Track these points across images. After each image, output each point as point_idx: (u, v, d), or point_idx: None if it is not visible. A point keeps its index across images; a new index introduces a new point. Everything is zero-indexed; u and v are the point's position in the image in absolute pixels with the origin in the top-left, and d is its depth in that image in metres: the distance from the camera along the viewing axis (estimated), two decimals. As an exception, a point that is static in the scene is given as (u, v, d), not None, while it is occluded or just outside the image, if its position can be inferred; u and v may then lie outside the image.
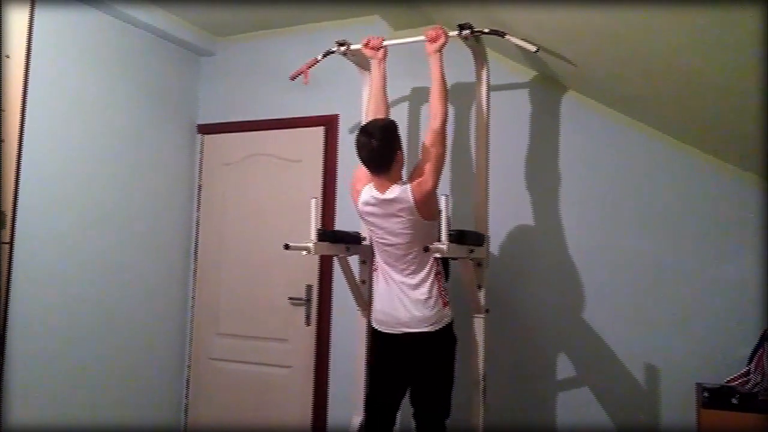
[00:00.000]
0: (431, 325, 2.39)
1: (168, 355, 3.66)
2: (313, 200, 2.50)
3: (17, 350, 2.74)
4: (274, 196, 3.60)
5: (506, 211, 3.03)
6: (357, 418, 2.81)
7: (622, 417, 2.81)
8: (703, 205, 2.75)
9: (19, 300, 2.75)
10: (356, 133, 2.37)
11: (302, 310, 3.47)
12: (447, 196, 2.19)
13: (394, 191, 2.35)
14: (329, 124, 3.50)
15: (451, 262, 2.59)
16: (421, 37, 2.63)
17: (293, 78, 3.05)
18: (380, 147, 2.31)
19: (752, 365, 2.43)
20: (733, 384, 2.45)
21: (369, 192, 2.42)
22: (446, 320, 2.42)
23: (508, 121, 3.06)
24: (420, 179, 2.34)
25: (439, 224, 2.36)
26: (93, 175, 3.16)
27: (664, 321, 2.76)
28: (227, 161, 3.77)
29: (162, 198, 3.61)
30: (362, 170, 2.45)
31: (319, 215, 3.39)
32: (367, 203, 2.42)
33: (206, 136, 3.85)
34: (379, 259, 2.51)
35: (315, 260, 3.43)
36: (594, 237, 2.91)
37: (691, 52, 1.95)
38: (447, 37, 2.56)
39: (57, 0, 2.94)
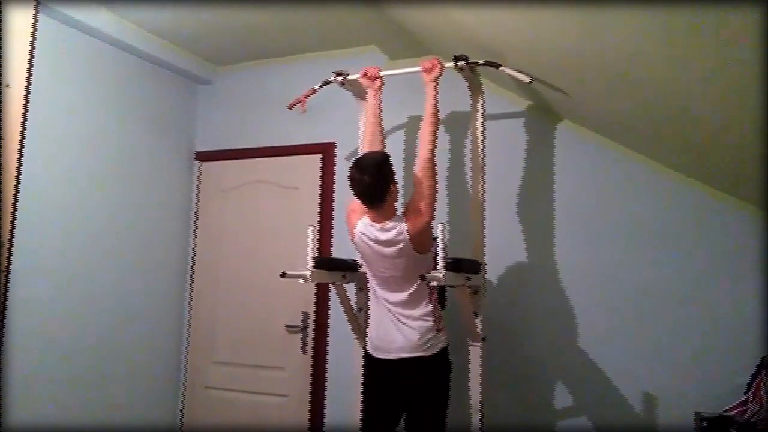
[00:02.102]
0: (426, 350, 2.39)
1: (162, 383, 3.63)
2: (310, 228, 2.51)
3: (14, 380, 2.72)
4: (271, 223, 3.61)
5: (502, 239, 3.04)
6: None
7: (620, 446, 2.79)
8: (700, 234, 2.76)
9: (16, 328, 2.72)
10: (349, 167, 2.37)
11: (298, 337, 3.45)
12: (443, 224, 2.20)
13: (389, 229, 2.36)
14: (326, 151, 3.52)
15: (448, 289, 2.59)
16: (417, 68, 2.66)
17: (291, 107, 3.08)
18: (373, 182, 2.32)
19: (750, 394, 2.41)
20: (731, 413, 2.43)
21: (364, 225, 2.43)
22: (441, 345, 2.42)
23: (504, 149, 3.09)
24: (415, 218, 2.34)
25: (434, 253, 2.37)
26: (90, 202, 3.17)
27: (662, 349, 2.75)
28: (224, 188, 3.78)
29: (159, 224, 3.61)
30: (357, 202, 2.45)
31: (316, 243, 3.39)
32: (362, 237, 2.43)
33: (204, 163, 3.87)
34: (374, 286, 2.51)
35: (311, 288, 3.43)
36: (590, 266, 2.92)
37: (686, 82, 1.98)
38: (443, 67, 2.60)
39: (57, 29, 2.98)
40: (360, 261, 2.63)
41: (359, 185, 2.34)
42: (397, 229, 2.34)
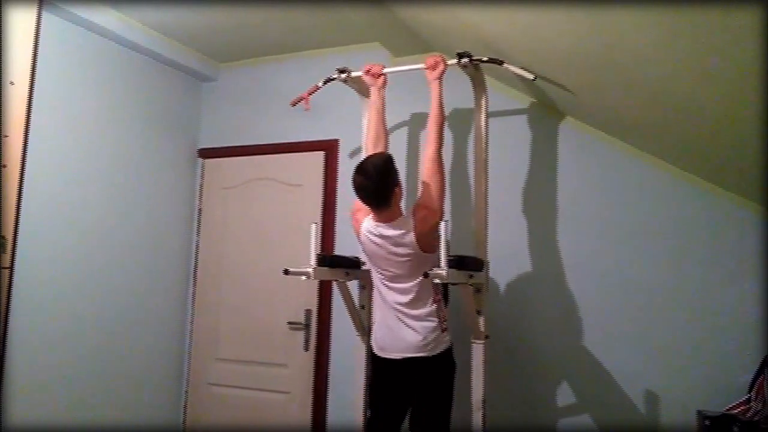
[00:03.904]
0: (430, 350, 2.39)
1: (166, 379, 3.64)
2: (313, 225, 2.51)
3: (16, 378, 2.73)
4: (274, 220, 3.61)
5: (506, 237, 3.04)
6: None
7: (623, 445, 2.78)
8: (702, 231, 2.75)
9: (19, 325, 2.73)
10: (353, 172, 2.36)
11: (301, 334, 3.46)
12: (446, 221, 2.20)
13: (395, 228, 2.36)
14: (329, 148, 3.52)
15: (451, 287, 2.59)
16: (421, 65, 2.66)
17: (294, 104, 3.08)
18: (377, 186, 2.32)
19: (753, 393, 2.41)
20: (734, 412, 2.42)
21: (370, 224, 2.44)
22: (445, 345, 2.43)
23: (507, 146, 3.09)
24: (423, 218, 2.34)
25: (439, 252, 2.37)
26: (93, 199, 3.18)
27: (665, 348, 2.75)
28: (228, 185, 3.78)
29: (162, 222, 3.62)
30: (358, 216, 2.51)
31: (319, 240, 3.39)
32: (368, 236, 2.44)
33: (207, 160, 3.87)
34: (378, 286, 2.52)
35: (314, 285, 3.43)
36: (593, 264, 2.91)
37: (689, 80, 1.97)
38: (446, 64, 2.59)
39: (62, 27, 2.99)
40: (364, 259, 2.63)
41: (364, 190, 2.35)
42: (404, 229, 2.35)
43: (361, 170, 2.35)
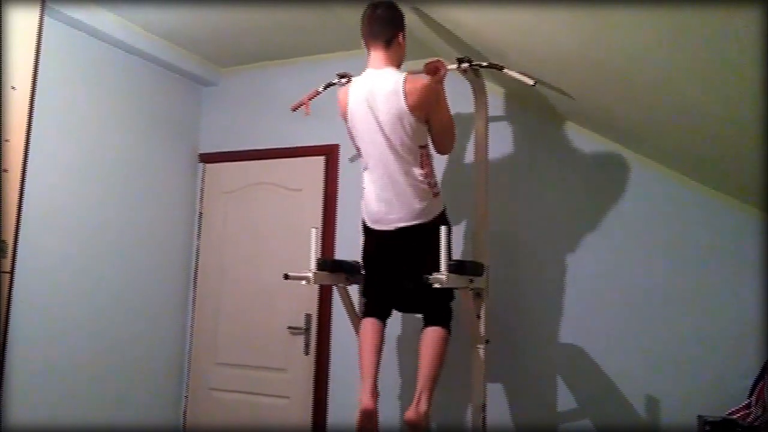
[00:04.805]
0: (427, 214, 2.39)
1: (166, 384, 3.64)
2: (314, 230, 2.52)
3: (16, 382, 2.72)
4: (274, 224, 3.62)
5: (506, 242, 3.04)
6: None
7: (623, 450, 2.78)
8: (702, 236, 2.75)
9: (19, 329, 2.73)
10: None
11: (301, 339, 3.46)
12: (447, 226, 2.20)
13: (385, 74, 2.38)
14: (330, 153, 3.53)
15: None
16: (420, 70, 2.66)
17: (294, 109, 3.08)
18: (384, 14, 2.41)
19: (753, 398, 2.40)
20: (734, 417, 2.42)
21: (358, 81, 2.45)
22: (439, 209, 2.45)
23: (507, 151, 3.09)
24: (417, 79, 2.34)
25: (430, 129, 2.45)
26: (94, 203, 3.18)
27: (665, 353, 2.75)
28: (228, 189, 3.79)
29: (163, 226, 3.63)
30: (345, 87, 2.54)
31: (319, 244, 3.40)
32: (355, 105, 2.42)
33: (208, 164, 3.88)
34: (368, 161, 2.49)
35: (314, 289, 3.43)
36: (594, 268, 2.91)
37: (689, 84, 1.98)
38: (446, 69, 2.59)
39: (62, 31, 3.00)
40: (354, 141, 2.57)
41: (370, 15, 2.43)
42: (394, 76, 2.36)
43: (372, 2, 2.46)
